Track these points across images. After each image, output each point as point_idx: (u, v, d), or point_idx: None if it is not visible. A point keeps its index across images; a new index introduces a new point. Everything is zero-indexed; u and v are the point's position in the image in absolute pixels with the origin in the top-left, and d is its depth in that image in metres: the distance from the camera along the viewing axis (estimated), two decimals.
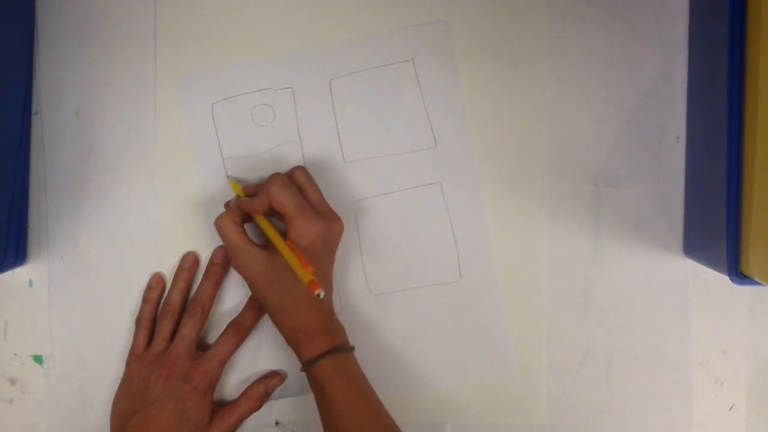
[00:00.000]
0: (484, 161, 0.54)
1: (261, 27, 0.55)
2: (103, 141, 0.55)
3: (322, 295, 0.43)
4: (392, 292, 0.54)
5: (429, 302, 0.54)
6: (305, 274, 0.44)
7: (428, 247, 0.54)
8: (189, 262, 0.54)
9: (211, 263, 0.54)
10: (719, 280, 0.51)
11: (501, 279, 0.54)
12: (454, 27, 0.54)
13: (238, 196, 0.52)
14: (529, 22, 0.54)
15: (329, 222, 0.49)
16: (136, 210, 0.55)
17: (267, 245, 0.49)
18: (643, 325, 0.54)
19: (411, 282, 0.54)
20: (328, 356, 0.48)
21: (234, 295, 0.55)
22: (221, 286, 0.54)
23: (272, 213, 0.49)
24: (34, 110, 0.55)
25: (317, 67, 0.55)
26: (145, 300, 0.54)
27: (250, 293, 0.54)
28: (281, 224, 0.49)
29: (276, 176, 0.49)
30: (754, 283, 0.44)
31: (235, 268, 0.50)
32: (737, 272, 0.45)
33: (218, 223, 0.50)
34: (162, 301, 0.54)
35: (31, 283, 0.55)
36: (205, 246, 0.55)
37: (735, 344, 0.54)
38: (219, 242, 0.54)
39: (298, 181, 0.51)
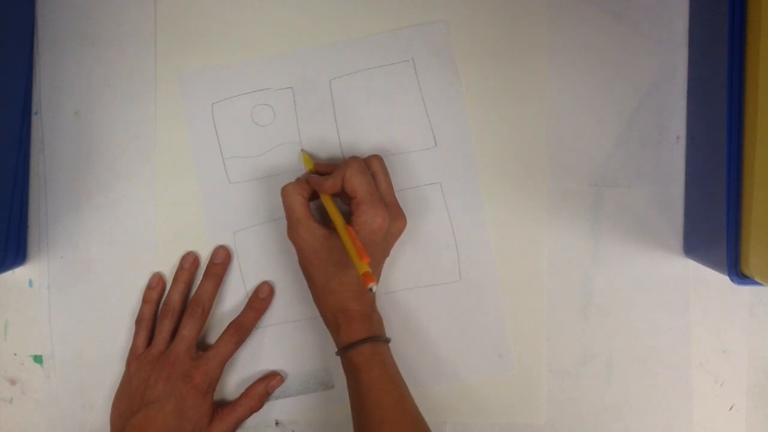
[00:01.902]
0: (484, 161, 0.54)
1: (261, 27, 0.55)
2: (103, 141, 0.55)
3: (374, 289, 0.42)
4: (392, 292, 0.54)
5: (429, 302, 0.54)
6: (362, 265, 0.43)
7: (428, 247, 0.54)
8: (189, 262, 0.54)
9: (211, 263, 0.54)
10: (719, 280, 0.51)
11: (501, 279, 0.54)
12: (454, 27, 0.54)
13: (309, 172, 0.52)
14: (529, 22, 0.54)
15: (394, 216, 0.49)
16: (136, 210, 0.55)
17: (328, 224, 0.49)
18: (643, 325, 0.54)
19: (411, 282, 0.54)
20: (366, 343, 0.48)
21: (234, 295, 0.55)
22: (221, 286, 0.54)
23: (339, 195, 0.49)
24: (34, 110, 0.55)
25: (317, 67, 0.55)
26: (145, 300, 0.54)
27: (250, 293, 0.54)
28: (344, 207, 0.49)
29: (354, 159, 0.49)
30: (754, 283, 0.44)
31: (291, 238, 0.49)
32: (737, 272, 0.45)
33: (284, 191, 0.49)
34: (162, 301, 0.54)
35: (31, 283, 0.55)
36: (205, 246, 0.55)
37: (735, 344, 0.54)
38: (219, 242, 0.54)
39: (373, 168, 0.50)
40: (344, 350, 0.48)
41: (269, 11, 0.55)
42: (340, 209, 0.49)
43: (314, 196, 0.51)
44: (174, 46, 0.55)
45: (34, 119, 0.55)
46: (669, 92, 0.54)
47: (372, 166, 0.50)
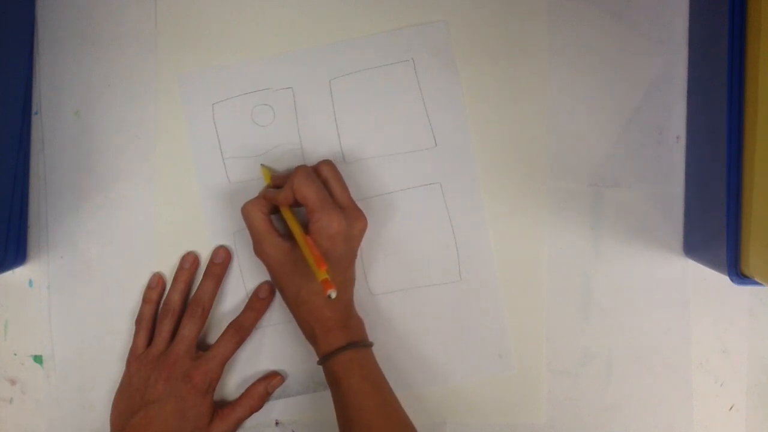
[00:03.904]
0: (484, 161, 0.54)
1: (261, 27, 0.55)
2: (103, 141, 0.55)
3: (333, 295, 0.42)
4: (392, 292, 0.54)
5: (429, 302, 0.54)
6: (320, 272, 0.44)
7: (428, 247, 0.54)
8: (189, 262, 0.54)
9: (212, 263, 0.54)
10: (719, 280, 0.51)
11: (501, 279, 0.54)
12: (454, 27, 0.54)
13: (267, 186, 0.52)
14: (529, 22, 0.54)
15: (351, 218, 0.49)
16: (136, 210, 0.55)
17: (292, 236, 0.49)
18: (643, 325, 0.54)
19: (411, 282, 0.54)
20: (344, 351, 0.48)
21: (234, 295, 0.55)
22: (221, 286, 0.54)
23: (299, 205, 0.49)
24: (34, 110, 0.55)
25: (317, 67, 0.55)
26: (145, 300, 0.54)
27: (250, 293, 0.54)
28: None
29: (301, 168, 0.49)
30: (754, 283, 0.44)
31: (257, 254, 0.50)
32: (737, 272, 0.45)
33: (244, 210, 0.50)
34: (162, 301, 0.54)
35: (31, 283, 0.55)
36: (205, 246, 0.55)
37: (735, 344, 0.54)
38: (219, 242, 0.54)
39: (323, 175, 0.51)
40: (323, 360, 0.48)
41: (269, 11, 0.55)
42: (305, 220, 0.49)
43: (276, 209, 0.51)
44: (174, 46, 0.55)
45: (34, 119, 0.55)
46: (669, 92, 0.54)
47: (322, 173, 0.51)
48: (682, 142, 0.54)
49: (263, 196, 0.51)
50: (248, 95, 0.55)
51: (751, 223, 0.43)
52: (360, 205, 0.51)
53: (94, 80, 0.55)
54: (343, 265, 0.49)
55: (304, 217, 0.49)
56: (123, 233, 0.55)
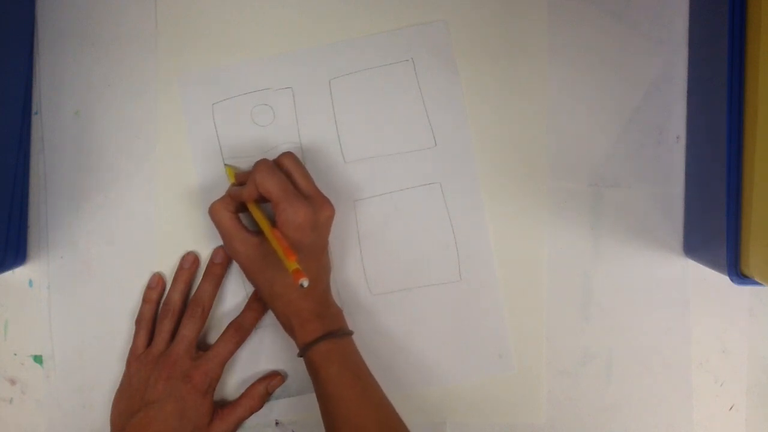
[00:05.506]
0: (484, 161, 0.54)
1: (261, 27, 0.55)
2: (103, 141, 0.55)
3: (305, 284, 0.42)
4: (392, 291, 0.54)
5: (429, 302, 0.54)
6: (290, 263, 0.44)
7: (428, 247, 0.54)
8: (189, 262, 0.54)
9: (211, 263, 0.54)
10: (719, 280, 0.51)
11: (501, 279, 0.54)
12: (454, 27, 0.54)
13: (232, 184, 0.52)
14: (528, 22, 0.54)
15: (317, 206, 0.49)
16: (136, 210, 0.55)
17: (261, 232, 0.49)
18: (643, 325, 0.54)
19: (411, 282, 0.54)
20: (322, 341, 0.48)
21: (234, 295, 0.55)
22: (221, 286, 0.54)
23: (265, 200, 0.49)
24: (34, 110, 0.55)
25: (317, 67, 0.55)
26: (145, 300, 0.54)
27: (250, 293, 0.54)
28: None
29: (261, 162, 0.49)
30: (754, 283, 0.44)
31: (229, 253, 0.51)
32: (737, 272, 0.45)
33: (211, 210, 0.50)
34: (162, 301, 0.54)
35: (31, 283, 0.55)
36: (205, 246, 0.55)
37: (735, 344, 0.54)
38: (220, 242, 0.54)
39: (285, 167, 0.50)
40: (302, 351, 0.48)
41: (269, 11, 0.55)
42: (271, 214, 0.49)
43: (243, 207, 0.51)
44: (174, 46, 0.55)
45: (34, 119, 0.55)
46: (669, 92, 0.54)
47: (284, 165, 0.50)
48: (682, 142, 0.54)
49: (228, 194, 0.51)
50: (248, 95, 0.55)
51: (751, 223, 0.43)
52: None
53: (94, 80, 0.55)
54: (314, 254, 0.49)
55: (271, 212, 0.49)
56: (123, 233, 0.55)
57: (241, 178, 0.52)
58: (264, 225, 0.48)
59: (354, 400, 0.47)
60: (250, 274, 0.50)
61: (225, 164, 0.54)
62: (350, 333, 0.50)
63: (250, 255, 0.49)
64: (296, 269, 0.43)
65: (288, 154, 0.51)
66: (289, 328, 0.49)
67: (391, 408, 0.48)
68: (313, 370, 0.48)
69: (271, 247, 0.47)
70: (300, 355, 0.49)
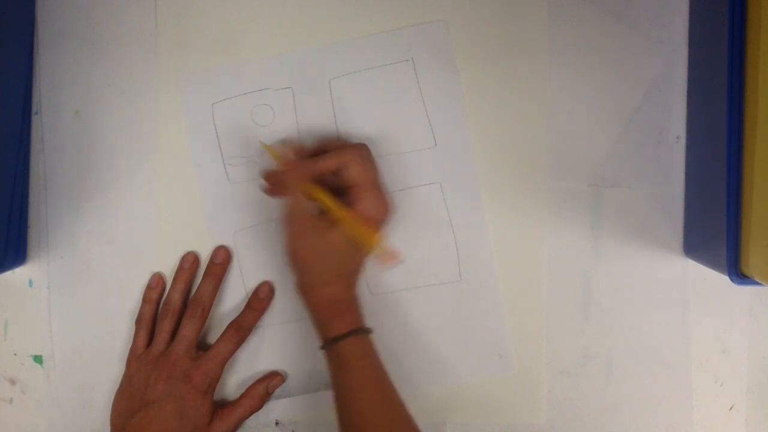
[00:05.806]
0: (484, 161, 0.54)
1: (261, 27, 0.55)
2: (103, 141, 0.55)
3: (401, 259, 0.42)
4: (392, 292, 0.54)
5: (429, 302, 0.54)
6: (377, 240, 0.43)
7: (428, 247, 0.54)
8: (189, 262, 0.54)
9: (211, 263, 0.54)
10: (719, 280, 0.51)
11: (501, 279, 0.54)
12: (454, 27, 0.54)
13: (283, 161, 0.50)
14: (528, 22, 0.54)
15: (391, 208, 0.49)
16: (136, 210, 0.55)
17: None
18: (643, 325, 0.54)
19: (411, 282, 0.54)
20: (354, 335, 0.48)
21: (234, 295, 0.55)
22: (221, 286, 0.54)
23: (324, 180, 0.48)
24: (34, 110, 0.55)
25: (317, 67, 0.55)
26: (145, 300, 0.54)
27: (250, 293, 0.54)
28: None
29: (362, 145, 0.49)
30: (754, 283, 0.44)
31: (286, 233, 0.48)
32: (737, 272, 0.45)
33: (289, 178, 0.48)
34: (162, 301, 0.54)
35: (31, 283, 0.55)
36: (205, 246, 0.55)
37: (735, 344, 0.54)
38: (219, 242, 0.54)
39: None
40: (331, 342, 0.48)
41: (269, 11, 0.55)
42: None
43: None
44: (174, 46, 0.55)
45: (34, 119, 0.55)
46: (669, 92, 0.54)
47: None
48: (682, 142, 0.54)
49: (306, 165, 0.48)
50: (248, 95, 0.55)
51: (751, 223, 0.43)
52: None
53: (94, 80, 0.55)
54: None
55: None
56: (123, 233, 0.55)
57: (302, 152, 0.50)
58: (338, 207, 0.47)
59: (375, 397, 0.47)
60: (301, 260, 0.48)
61: (262, 143, 0.53)
62: (371, 331, 0.50)
63: (312, 238, 0.47)
64: (388, 250, 0.42)
65: (365, 147, 0.50)
66: (327, 316, 0.49)
67: (405, 408, 0.48)
68: (340, 363, 0.48)
69: (335, 234, 0.47)
70: (325, 347, 0.49)
